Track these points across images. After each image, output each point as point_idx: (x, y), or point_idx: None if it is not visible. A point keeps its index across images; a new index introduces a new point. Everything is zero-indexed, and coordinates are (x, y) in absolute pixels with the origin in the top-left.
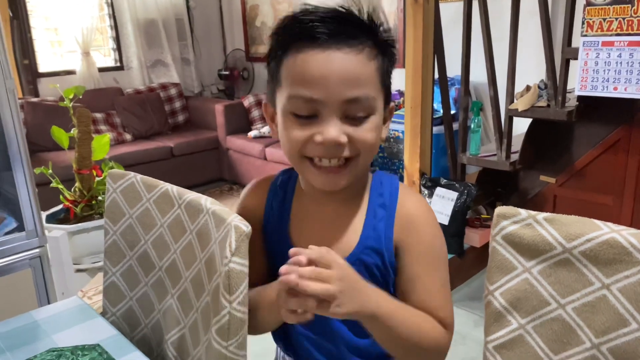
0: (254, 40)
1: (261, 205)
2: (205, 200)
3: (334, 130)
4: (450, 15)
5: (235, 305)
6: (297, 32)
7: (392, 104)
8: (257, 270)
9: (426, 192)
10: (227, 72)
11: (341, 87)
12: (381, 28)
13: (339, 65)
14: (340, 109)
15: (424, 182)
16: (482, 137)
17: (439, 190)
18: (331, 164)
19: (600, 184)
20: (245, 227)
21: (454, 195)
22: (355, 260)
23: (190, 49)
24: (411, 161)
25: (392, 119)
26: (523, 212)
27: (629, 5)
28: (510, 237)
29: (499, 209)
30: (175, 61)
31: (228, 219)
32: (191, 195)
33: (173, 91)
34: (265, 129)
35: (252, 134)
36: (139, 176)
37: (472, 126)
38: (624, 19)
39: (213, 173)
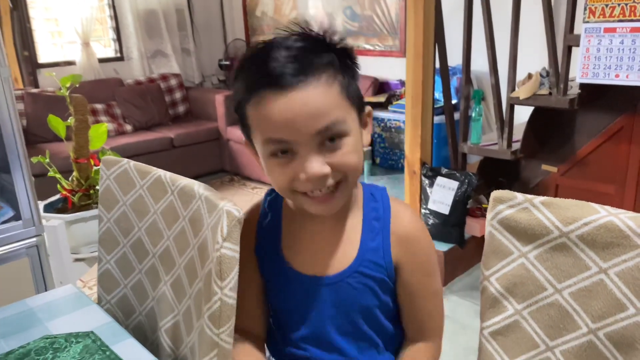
0: (254, 30)
1: (252, 232)
2: (198, 187)
3: (314, 165)
4: (451, 4)
5: (226, 291)
6: (257, 79)
7: (367, 108)
8: (253, 295)
9: (427, 181)
10: (227, 62)
11: (308, 123)
12: (337, 39)
13: (302, 104)
14: (314, 142)
15: (424, 171)
16: (483, 126)
17: (439, 180)
18: (322, 192)
19: (603, 173)
20: (237, 212)
21: (454, 184)
22: (354, 272)
23: (191, 39)
24: (412, 151)
25: (394, 109)
26: (519, 196)
27: None
28: (507, 221)
29: (495, 193)
30: (176, 52)
31: (220, 205)
32: (184, 181)
33: (173, 82)
34: None
35: None
36: (132, 162)
37: (473, 115)
38: (626, 4)
39: (214, 164)
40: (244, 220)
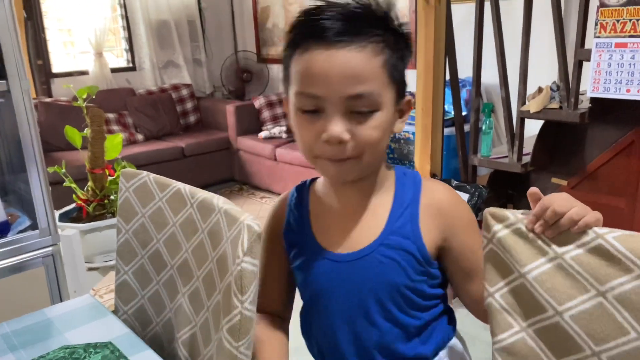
0: (265, 42)
1: (282, 215)
2: (218, 200)
3: (336, 127)
4: (462, 16)
5: (246, 305)
6: (304, 32)
7: (408, 96)
8: (277, 277)
9: None
10: (240, 74)
11: (342, 84)
12: (395, 22)
13: (341, 62)
14: (343, 105)
15: None
16: (493, 139)
17: None
18: (339, 157)
19: (613, 186)
20: (257, 226)
21: (464, 196)
22: (380, 245)
23: (202, 50)
24: (422, 162)
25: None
26: (511, 216)
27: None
28: (504, 240)
29: (490, 210)
30: (187, 62)
31: (240, 218)
32: (203, 194)
33: (184, 92)
34: (276, 130)
35: (262, 134)
36: (152, 175)
37: (484, 128)
38: (637, 20)
39: (224, 173)
40: (277, 200)
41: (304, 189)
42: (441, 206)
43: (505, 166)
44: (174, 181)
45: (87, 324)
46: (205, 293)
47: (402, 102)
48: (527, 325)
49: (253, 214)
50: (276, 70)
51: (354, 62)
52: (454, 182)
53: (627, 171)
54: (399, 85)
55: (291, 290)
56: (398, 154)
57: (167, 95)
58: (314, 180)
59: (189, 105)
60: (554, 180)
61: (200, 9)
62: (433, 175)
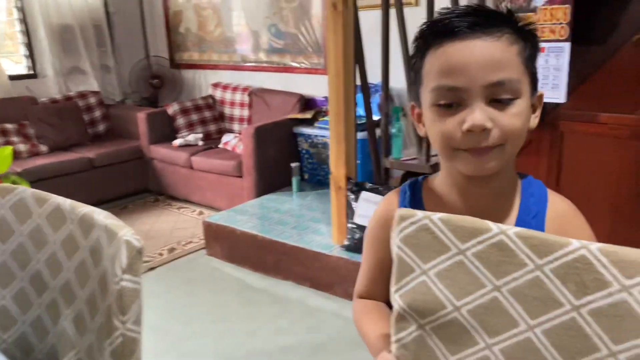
0: (178, 47)
1: (395, 204)
2: (99, 214)
3: (479, 115)
4: (372, 23)
5: (129, 325)
6: (436, 32)
7: (540, 91)
8: (384, 263)
9: (352, 196)
10: (151, 80)
11: (483, 72)
12: (519, 21)
13: (479, 51)
14: (484, 94)
15: (350, 186)
16: (405, 141)
17: (364, 194)
18: (480, 146)
19: None
20: (137, 242)
21: (378, 198)
22: None
23: (111, 55)
24: (337, 167)
25: (320, 125)
26: (419, 213)
27: (532, 14)
28: (409, 238)
29: (399, 211)
30: (94, 68)
31: (119, 234)
32: (84, 209)
33: (92, 100)
34: (191, 137)
35: (177, 142)
36: (30, 190)
37: (394, 131)
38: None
39: (137, 184)
40: (388, 194)
41: (416, 186)
42: (565, 220)
43: (415, 167)
44: (54, 195)
45: None
46: (89, 315)
47: (535, 97)
48: (425, 323)
49: (170, 225)
50: (191, 75)
51: (492, 49)
52: (368, 185)
53: (525, 169)
54: (533, 77)
55: None
56: (317, 158)
57: (73, 104)
58: (425, 177)
59: (97, 113)
60: None
61: (107, 13)
62: (348, 179)
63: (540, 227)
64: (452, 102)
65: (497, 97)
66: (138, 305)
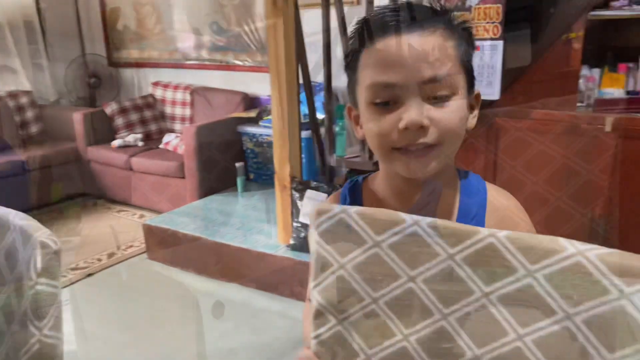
0: (116, 45)
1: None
2: (14, 216)
3: (414, 112)
4: (313, 22)
5: (46, 331)
6: (370, 28)
7: (477, 90)
8: None
9: (297, 195)
10: (87, 79)
11: (418, 68)
12: (454, 18)
13: (415, 47)
14: (421, 91)
15: (294, 185)
16: (351, 139)
17: (308, 193)
18: (418, 148)
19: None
20: (54, 243)
21: (323, 196)
22: None
23: (43, 53)
24: (281, 166)
25: (265, 124)
26: (336, 208)
27: (467, 13)
28: (326, 233)
29: (317, 206)
30: (26, 67)
31: (34, 235)
32: None
33: (24, 100)
34: (131, 138)
35: (115, 143)
36: None
37: (338, 129)
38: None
39: (74, 187)
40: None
41: (356, 189)
42: (505, 215)
43: (359, 164)
44: None
45: None
46: (5, 323)
47: (473, 96)
48: (344, 318)
49: (109, 230)
50: (130, 74)
51: (426, 45)
52: (313, 183)
53: (467, 165)
54: (469, 75)
55: None
56: (262, 158)
57: (3, 104)
58: (365, 177)
59: (30, 114)
60: None
61: (38, 9)
62: (293, 178)
63: (482, 217)
64: (388, 100)
65: (434, 94)
66: (57, 310)
